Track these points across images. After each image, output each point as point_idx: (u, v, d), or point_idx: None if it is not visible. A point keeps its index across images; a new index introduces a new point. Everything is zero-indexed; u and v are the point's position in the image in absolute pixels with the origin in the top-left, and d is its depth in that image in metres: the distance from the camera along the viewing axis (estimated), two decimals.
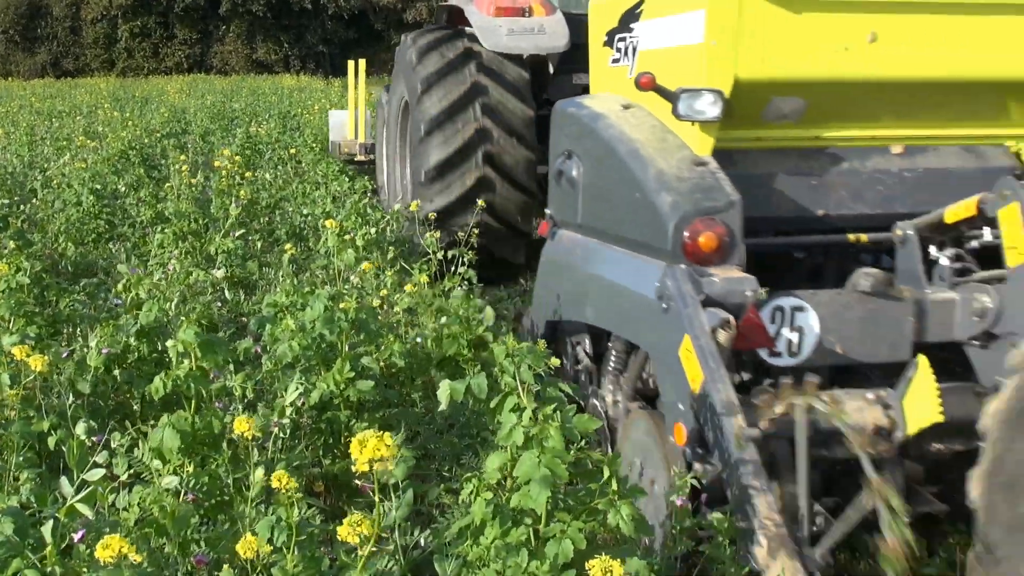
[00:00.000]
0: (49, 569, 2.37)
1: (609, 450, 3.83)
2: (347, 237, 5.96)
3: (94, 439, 3.09)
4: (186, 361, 3.39)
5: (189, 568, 2.75)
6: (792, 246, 3.82)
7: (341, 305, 3.97)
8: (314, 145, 12.81)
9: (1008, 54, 3.56)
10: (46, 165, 12.25)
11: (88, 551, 2.41)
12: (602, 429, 3.85)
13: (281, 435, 3.61)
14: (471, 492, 2.57)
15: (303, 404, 3.80)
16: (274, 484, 2.44)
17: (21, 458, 3.18)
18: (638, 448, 3.48)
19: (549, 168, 4.39)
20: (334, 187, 9.35)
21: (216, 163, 9.88)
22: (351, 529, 2.17)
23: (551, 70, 7.08)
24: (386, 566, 2.84)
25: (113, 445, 3.18)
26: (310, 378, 3.86)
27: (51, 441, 3.34)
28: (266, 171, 11.63)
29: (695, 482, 2.97)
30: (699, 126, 3.51)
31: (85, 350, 4.14)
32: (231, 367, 3.96)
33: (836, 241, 3.71)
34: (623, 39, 4.09)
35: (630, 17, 4.02)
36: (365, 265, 5.62)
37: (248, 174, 9.97)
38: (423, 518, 3.46)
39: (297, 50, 49.36)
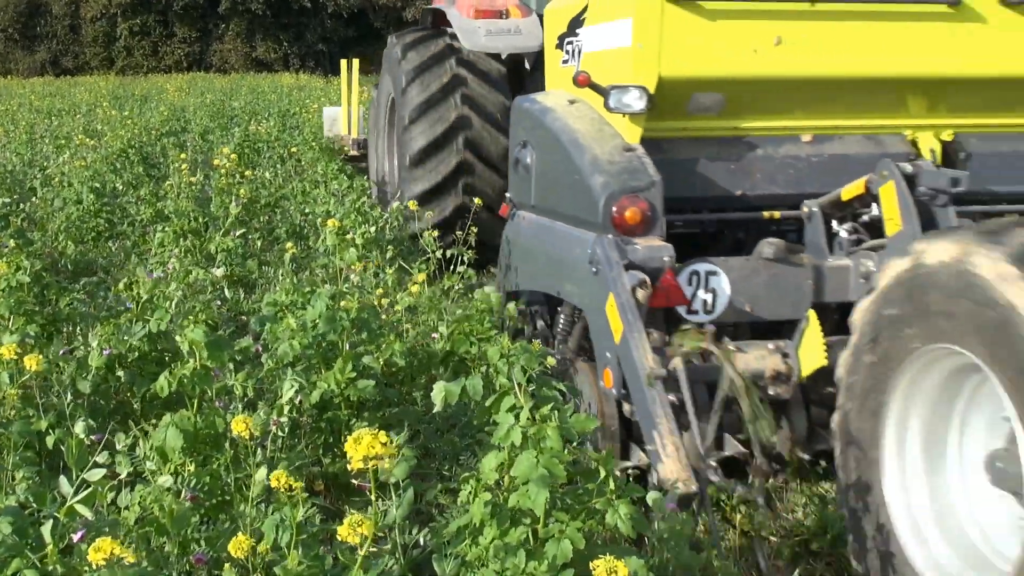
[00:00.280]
0: (49, 569, 2.37)
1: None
2: (348, 237, 5.96)
3: (93, 438, 3.09)
4: (191, 360, 3.39)
5: (189, 567, 2.75)
6: (715, 222, 4.31)
7: (343, 304, 3.98)
8: (314, 144, 12.81)
9: (900, 55, 4.05)
10: (45, 163, 12.25)
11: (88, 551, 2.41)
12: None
13: (281, 434, 3.61)
14: (470, 492, 2.58)
15: (301, 403, 3.80)
16: (273, 484, 2.44)
17: (18, 457, 3.17)
18: (581, 394, 3.98)
19: (509, 157, 4.95)
20: (334, 186, 9.34)
21: (216, 162, 9.88)
22: (351, 529, 2.17)
23: (528, 67, 7.54)
24: (386, 565, 2.84)
25: (117, 445, 3.18)
26: (310, 377, 3.87)
27: (50, 440, 3.34)
28: (266, 170, 11.63)
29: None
30: (628, 118, 4.04)
31: (86, 349, 4.14)
32: (231, 366, 3.96)
33: (753, 218, 4.22)
34: (571, 42, 4.63)
35: (576, 23, 4.55)
36: (365, 264, 5.64)
37: (248, 173, 9.97)
38: (423, 517, 3.46)
39: (296, 48, 49.34)
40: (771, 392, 3.62)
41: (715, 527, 3.22)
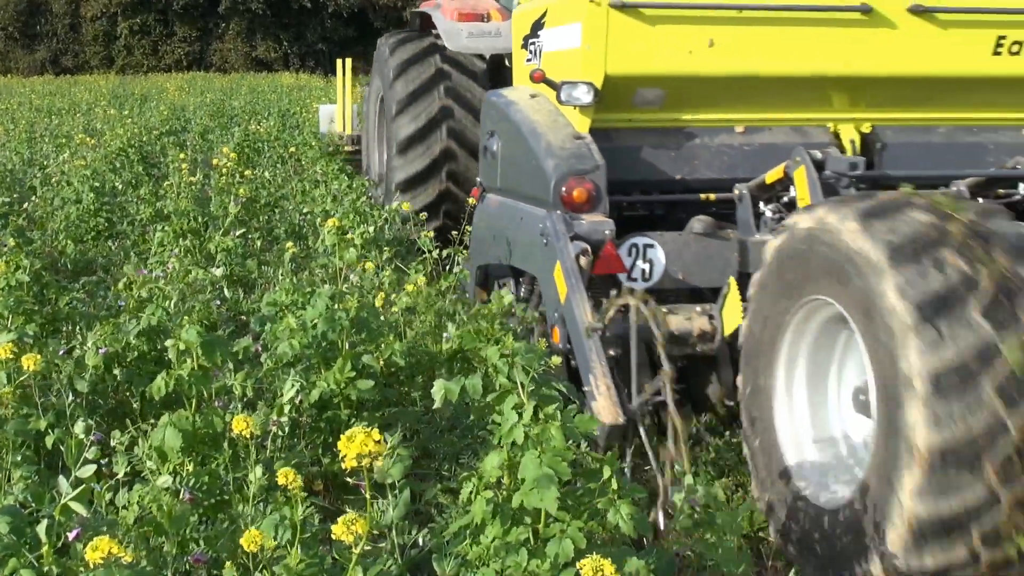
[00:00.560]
0: (46, 568, 2.36)
1: None
2: (347, 237, 5.96)
3: (92, 438, 3.08)
4: (188, 361, 3.38)
5: (187, 567, 2.74)
6: (659, 203, 4.83)
7: (343, 303, 3.97)
8: (314, 144, 12.81)
9: (819, 56, 4.51)
10: (45, 163, 12.24)
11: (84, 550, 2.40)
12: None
13: (280, 433, 3.60)
14: (471, 491, 2.57)
15: (301, 402, 3.79)
16: (280, 481, 2.43)
17: (19, 456, 3.17)
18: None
19: (480, 145, 5.52)
20: (333, 186, 9.34)
21: (215, 161, 9.87)
22: (346, 528, 2.17)
23: (508, 66, 7.91)
24: (384, 565, 2.83)
25: (113, 443, 3.17)
26: (310, 377, 3.86)
27: (48, 440, 3.33)
28: (265, 169, 11.62)
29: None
30: (579, 110, 4.54)
31: (84, 349, 4.13)
32: (231, 366, 3.96)
33: (692, 199, 4.70)
34: (533, 43, 5.15)
35: (537, 26, 5.07)
36: (368, 264, 5.66)
37: (247, 172, 9.96)
38: (422, 517, 3.45)
39: (297, 48, 49.32)
40: (699, 348, 4.13)
41: (650, 450, 3.70)
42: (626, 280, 4.31)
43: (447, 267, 6.09)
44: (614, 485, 2.53)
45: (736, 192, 4.44)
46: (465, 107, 7.56)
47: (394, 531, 3.05)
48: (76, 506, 2.49)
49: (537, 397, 2.58)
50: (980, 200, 4.17)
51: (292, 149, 12.89)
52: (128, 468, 3.12)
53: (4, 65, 49.47)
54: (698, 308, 4.21)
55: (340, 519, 2.18)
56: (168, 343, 3.47)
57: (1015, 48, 4.54)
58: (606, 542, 2.80)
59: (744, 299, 3.83)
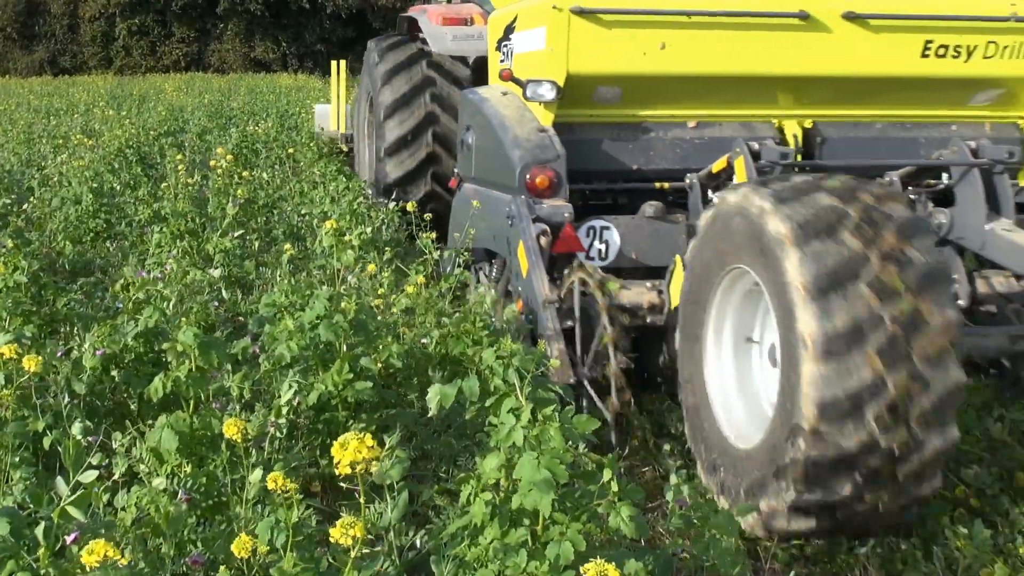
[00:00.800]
0: (43, 571, 2.36)
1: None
2: (345, 238, 5.96)
3: (90, 439, 3.08)
4: (186, 362, 3.38)
5: (185, 569, 2.74)
6: (618, 191, 5.30)
7: (341, 305, 3.96)
8: (312, 145, 12.80)
9: (762, 58, 4.89)
10: (43, 163, 12.22)
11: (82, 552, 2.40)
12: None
13: (278, 435, 3.60)
14: (470, 493, 2.57)
15: (299, 404, 3.79)
16: (269, 486, 2.43)
17: (17, 458, 3.16)
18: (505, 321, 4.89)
19: (457, 139, 5.98)
20: (332, 187, 9.33)
21: (212, 162, 9.86)
22: (343, 531, 2.17)
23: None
24: (382, 567, 2.83)
25: (115, 445, 3.16)
26: (308, 378, 3.85)
27: (46, 441, 3.33)
28: (263, 170, 11.61)
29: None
30: (543, 105, 5.03)
31: (83, 350, 4.12)
32: (228, 367, 3.95)
33: (648, 187, 5.14)
34: (506, 45, 5.58)
35: (509, 30, 5.51)
36: (370, 267, 5.69)
37: (245, 173, 9.95)
38: (419, 519, 3.45)
39: (295, 49, 49.27)
40: (648, 320, 4.53)
41: (598, 405, 4.16)
42: (584, 259, 4.70)
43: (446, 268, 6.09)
44: (614, 487, 2.53)
45: (687, 181, 4.91)
46: (450, 112, 7.83)
47: (392, 533, 3.05)
48: (74, 511, 2.49)
49: (534, 399, 2.58)
50: (910, 189, 4.90)
51: (291, 150, 12.88)
52: (126, 469, 3.11)
53: (2, 66, 49.42)
54: (648, 284, 4.62)
55: (338, 522, 2.18)
56: (166, 345, 3.46)
57: (941, 51, 4.96)
58: (604, 544, 2.80)
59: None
